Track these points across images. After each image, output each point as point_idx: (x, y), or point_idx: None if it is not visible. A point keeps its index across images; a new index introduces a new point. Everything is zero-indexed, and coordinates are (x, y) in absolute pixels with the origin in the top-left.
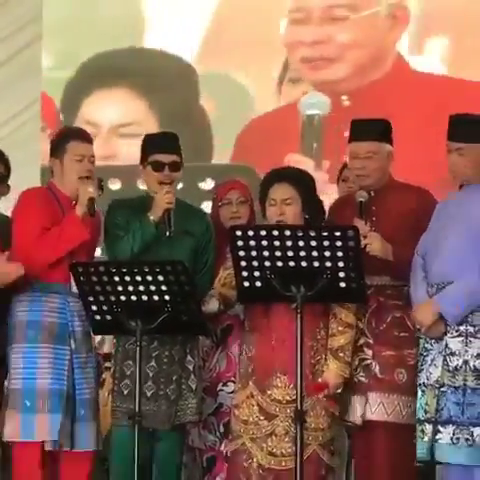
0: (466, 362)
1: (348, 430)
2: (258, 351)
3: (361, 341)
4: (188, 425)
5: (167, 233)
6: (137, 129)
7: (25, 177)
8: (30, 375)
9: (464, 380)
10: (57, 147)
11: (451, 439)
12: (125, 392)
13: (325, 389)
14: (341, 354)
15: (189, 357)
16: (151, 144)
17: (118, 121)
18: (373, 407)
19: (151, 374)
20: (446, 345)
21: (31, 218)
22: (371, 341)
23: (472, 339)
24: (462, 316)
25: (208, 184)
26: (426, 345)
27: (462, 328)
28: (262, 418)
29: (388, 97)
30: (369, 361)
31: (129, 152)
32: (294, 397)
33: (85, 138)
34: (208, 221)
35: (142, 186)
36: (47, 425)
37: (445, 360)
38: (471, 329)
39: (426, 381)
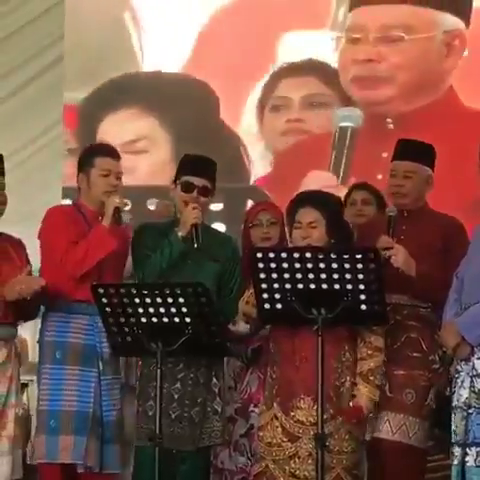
0: None
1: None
2: (283, 372)
3: None
4: (218, 447)
5: (195, 245)
6: (148, 145)
7: (46, 199)
8: (56, 397)
9: None
10: (85, 162)
11: (475, 461)
12: (150, 413)
13: (359, 414)
14: (371, 378)
15: (214, 380)
16: (186, 164)
17: (129, 138)
18: (380, 425)
19: (176, 396)
20: (473, 366)
21: (58, 233)
22: (384, 358)
23: None
24: None
25: (217, 205)
26: (457, 367)
27: None
28: (285, 440)
29: (434, 127)
30: None
31: (146, 167)
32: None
33: (113, 154)
34: (234, 246)
35: (151, 207)
36: (71, 447)
37: (472, 381)
38: None
39: (456, 403)
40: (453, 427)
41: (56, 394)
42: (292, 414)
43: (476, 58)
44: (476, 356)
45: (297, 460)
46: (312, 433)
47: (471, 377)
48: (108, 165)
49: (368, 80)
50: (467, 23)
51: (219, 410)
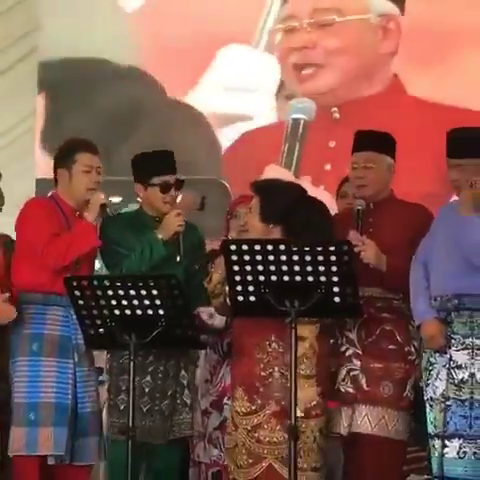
0: (473, 375)
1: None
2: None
3: (350, 351)
4: (194, 440)
5: (178, 258)
6: None
7: (20, 190)
8: (34, 389)
9: (471, 393)
10: (65, 157)
11: (457, 453)
12: (121, 407)
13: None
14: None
15: (183, 372)
16: (155, 164)
17: None
18: (359, 419)
19: (147, 389)
20: (450, 358)
21: (39, 225)
22: (360, 352)
23: (478, 352)
24: None
25: None
26: (430, 359)
27: (468, 341)
28: (233, 429)
29: (379, 114)
30: (357, 372)
31: None
32: (248, 410)
33: (93, 150)
34: (199, 234)
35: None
36: (51, 439)
37: (450, 373)
38: (477, 342)
39: (433, 395)
40: (430, 419)
41: (34, 386)
42: (233, 404)
43: (417, 46)
44: (454, 348)
45: (237, 449)
46: (244, 423)
47: (448, 369)
48: (89, 161)
49: (307, 67)
50: (402, 10)
51: (188, 402)
